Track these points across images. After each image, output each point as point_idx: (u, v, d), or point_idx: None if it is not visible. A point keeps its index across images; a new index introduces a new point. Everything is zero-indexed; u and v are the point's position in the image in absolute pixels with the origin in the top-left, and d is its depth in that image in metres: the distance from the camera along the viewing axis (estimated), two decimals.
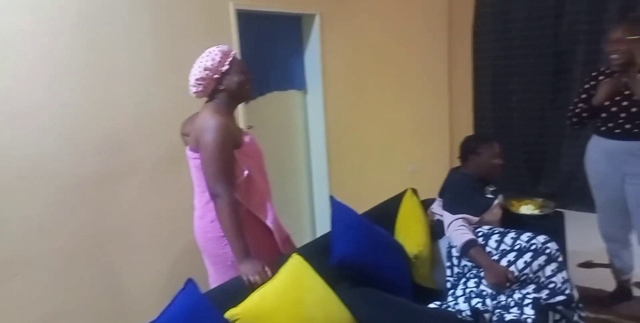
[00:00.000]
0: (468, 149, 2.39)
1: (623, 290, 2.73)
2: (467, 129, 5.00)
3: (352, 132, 3.73)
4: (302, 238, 2.99)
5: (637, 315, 2.53)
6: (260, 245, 1.91)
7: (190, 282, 1.41)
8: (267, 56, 3.16)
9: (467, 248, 2.07)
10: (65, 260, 2.15)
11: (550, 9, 4.30)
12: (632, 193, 2.47)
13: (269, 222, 1.95)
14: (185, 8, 2.55)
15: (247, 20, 2.91)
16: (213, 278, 1.98)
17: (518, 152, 4.68)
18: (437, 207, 2.43)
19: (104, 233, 2.29)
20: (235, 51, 2.28)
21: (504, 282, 1.95)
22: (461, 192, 2.28)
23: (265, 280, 1.61)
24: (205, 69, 1.80)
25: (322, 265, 1.81)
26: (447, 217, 2.22)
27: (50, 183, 2.08)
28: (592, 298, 2.66)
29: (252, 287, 1.58)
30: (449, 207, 2.25)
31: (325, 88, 3.43)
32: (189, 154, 1.89)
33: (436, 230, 2.35)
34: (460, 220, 2.15)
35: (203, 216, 1.90)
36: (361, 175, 3.83)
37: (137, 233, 2.42)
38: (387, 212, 2.42)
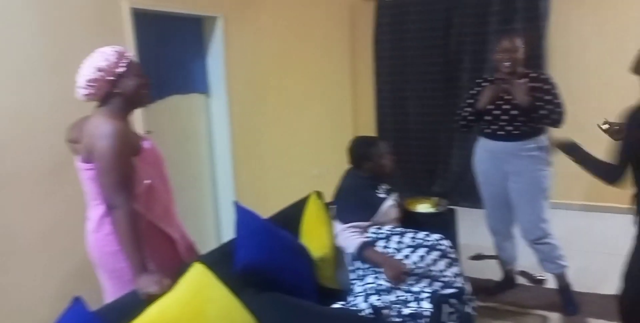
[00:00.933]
0: (359, 152, 2.42)
1: (508, 279, 3.00)
2: (370, 133, 5.20)
3: (257, 136, 3.71)
4: (206, 246, 2.89)
5: (519, 302, 2.79)
6: (162, 257, 1.83)
7: (76, 300, 1.31)
8: (167, 58, 3.04)
9: (361, 250, 2.13)
10: None
11: (440, 21, 4.62)
12: (514, 190, 2.71)
13: (172, 232, 1.87)
14: (74, 5, 2.38)
15: (145, 20, 2.78)
16: (110, 295, 1.85)
17: (414, 155, 4.96)
18: None
19: None
20: (131, 53, 2.17)
21: (401, 274, 2.05)
22: (351, 198, 2.34)
23: (163, 291, 1.54)
24: (99, 70, 1.68)
25: (225, 272, 1.77)
26: (337, 227, 2.28)
27: None
28: (480, 288, 2.88)
29: (149, 301, 1.50)
30: (340, 216, 2.30)
31: (229, 91, 3.37)
32: (81, 165, 1.75)
33: None
34: (351, 228, 2.21)
35: (98, 229, 1.78)
36: (267, 179, 3.82)
37: (18, 249, 2.19)
38: (292, 216, 2.43)
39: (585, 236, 3.76)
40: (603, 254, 3.29)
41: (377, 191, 2.40)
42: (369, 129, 5.19)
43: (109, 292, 1.87)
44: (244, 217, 1.99)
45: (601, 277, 2.94)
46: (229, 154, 3.39)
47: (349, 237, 2.19)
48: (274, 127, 3.90)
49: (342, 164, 5.05)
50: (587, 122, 4.24)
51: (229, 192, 3.41)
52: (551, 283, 2.86)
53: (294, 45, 4.12)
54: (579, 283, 2.80)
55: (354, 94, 5.19)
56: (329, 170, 4.64)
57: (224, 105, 3.35)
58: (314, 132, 4.49)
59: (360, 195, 2.34)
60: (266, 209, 2.40)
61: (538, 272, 3.03)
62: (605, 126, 2.09)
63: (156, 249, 1.79)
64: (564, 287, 2.74)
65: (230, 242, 2.02)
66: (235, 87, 3.43)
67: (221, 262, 1.84)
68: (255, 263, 1.86)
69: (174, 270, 1.70)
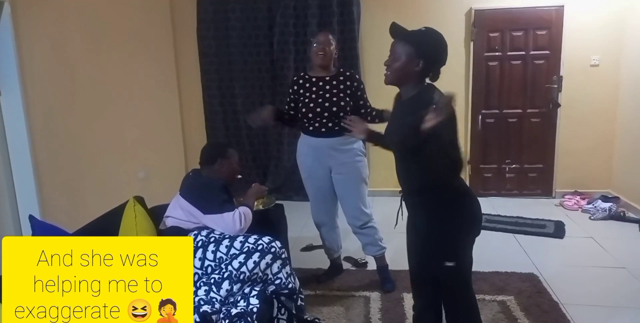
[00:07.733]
0: (218, 152, 2.45)
1: (335, 266, 3.17)
2: (199, 132, 5.05)
3: (68, 139, 3.30)
4: None
5: (345, 286, 2.97)
6: None
7: None
8: None
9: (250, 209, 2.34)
10: None
11: (264, 20, 4.68)
12: (338, 182, 2.87)
13: None
14: None
15: None
16: None
17: (246, 153, 4.96)
18: (176, 210, 2.36)
19: None
20: None
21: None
22: (218, 193, 2.33)
23: None
24: None
25: None
26: (225, 217, 2.23)
27: None
28: (311, 278, 3.02)
29: None
30: (218, 208, 2.25)
31: (26, 89, 2.93)
32: None
33: None
34: (237, 213, 2.25)
35: None
36: (83, 186, 3.44)
37: None
38: (107, 226, 2.22)
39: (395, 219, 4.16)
40: None
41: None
42: (199, 129, 5.05)
43: None
44: (43, 232, 1.74)
45: None
46: (29, 160, 2.94)
47: (243, 217, 2.24)
48: (89, 128, 3.52)
49: (170, 166, 4.84)
50: None
51: (32, 204, 2.96)
52: (372, 265, 3.11)
53: (108, 38, 3.77)
54: (394, 262, 3.11)
55: (180, 93, 4.97)
56: (157, 172, 4.39)
57: (19, 104, 2.89)
58: (138, 133, 4.18)
59: (223, 192, 2.35)
60: (85, 219, 2.14)
61: (361, 257, 3.28)
62: None
63: None
64: (382, 267, 3.01)
65: None
66: (34, 84, 2.99)
67: None
68: None
69: None
